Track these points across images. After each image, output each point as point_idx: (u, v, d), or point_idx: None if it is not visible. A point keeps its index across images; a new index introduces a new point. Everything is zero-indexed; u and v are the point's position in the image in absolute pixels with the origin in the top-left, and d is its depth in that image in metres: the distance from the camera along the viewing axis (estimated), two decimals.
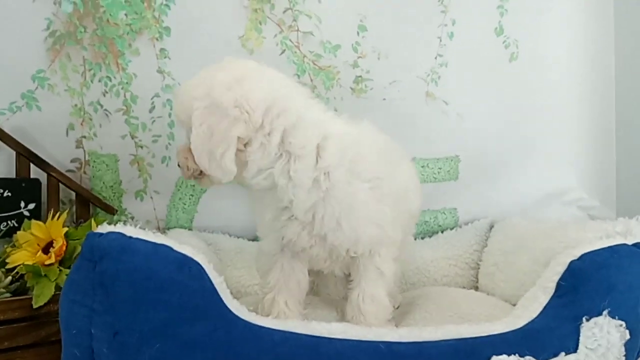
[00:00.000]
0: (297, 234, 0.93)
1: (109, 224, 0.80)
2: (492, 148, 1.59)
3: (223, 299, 0.77)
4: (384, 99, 1.53)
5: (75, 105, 1.39)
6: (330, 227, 0.91)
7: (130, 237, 0.76)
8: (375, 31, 1.51)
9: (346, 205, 0.91)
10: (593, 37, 1.64)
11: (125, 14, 1.37)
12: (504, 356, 0.77)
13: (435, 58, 1.55)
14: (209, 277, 0.77)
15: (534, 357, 0.78)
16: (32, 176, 1.30)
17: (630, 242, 0.87)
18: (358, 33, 1.50)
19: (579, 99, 1.66)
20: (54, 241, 1.15)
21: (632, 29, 1.61)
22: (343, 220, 0.91)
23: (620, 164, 1.67)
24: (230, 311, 0.76)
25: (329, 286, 1.19)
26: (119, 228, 0.77)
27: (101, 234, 0.76)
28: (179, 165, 0.93)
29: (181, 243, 0.81)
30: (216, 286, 0.77)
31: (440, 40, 1.55)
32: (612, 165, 1.68)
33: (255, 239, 1.43)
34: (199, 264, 0.77)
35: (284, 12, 1.45)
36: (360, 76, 1.51)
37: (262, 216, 0.97)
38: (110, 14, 1.36)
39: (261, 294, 1.03)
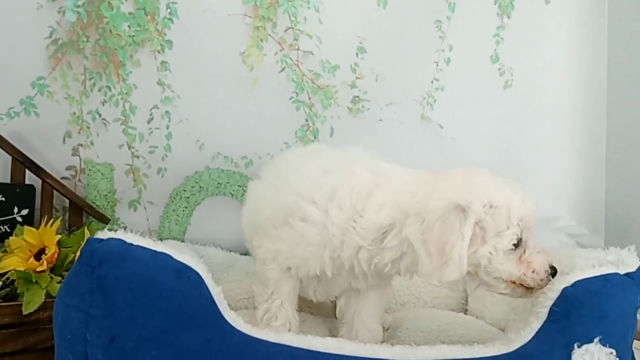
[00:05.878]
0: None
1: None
2: None
3: (220, 309, 0.77)
4: (380, 120, 1.55)
5: (74, 113, 1.39)
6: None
7: (131, 244, 0.76)
8: (374, 53, 1.54)
9: None
10: (586, 67, 1.69)
11: (129, 26, 1.39)
12: None
13: (432, 82, 1.58)
14: (207, 287, 0.77)
15: None
16: (27, 182, 1.30)
17: (622, 271, 0.88)
18: (357, 54, 1.53)
19: (570, 128, 1.69)
20: (46, 248, 1.14)
21: (625, 61, 1.66)
22: None
23: (609, 192, 1.70)
24: (226, 321, 0.77)
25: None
26: (119, 234, 0.77)
27: (102, 240, 0.76)
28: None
29: None
30: (214, 296, 0.77)
31: (437, 65, 1.58)
32: (602, 194, 1.71)
33: (246, 253, 1.42)
34: (197, 273, 0.77)
35: (285, 31, 1.48)
36: (358, 96, 1.54)
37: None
38: (113, 25, 1.37)
39: (261, 303, 0.97)
